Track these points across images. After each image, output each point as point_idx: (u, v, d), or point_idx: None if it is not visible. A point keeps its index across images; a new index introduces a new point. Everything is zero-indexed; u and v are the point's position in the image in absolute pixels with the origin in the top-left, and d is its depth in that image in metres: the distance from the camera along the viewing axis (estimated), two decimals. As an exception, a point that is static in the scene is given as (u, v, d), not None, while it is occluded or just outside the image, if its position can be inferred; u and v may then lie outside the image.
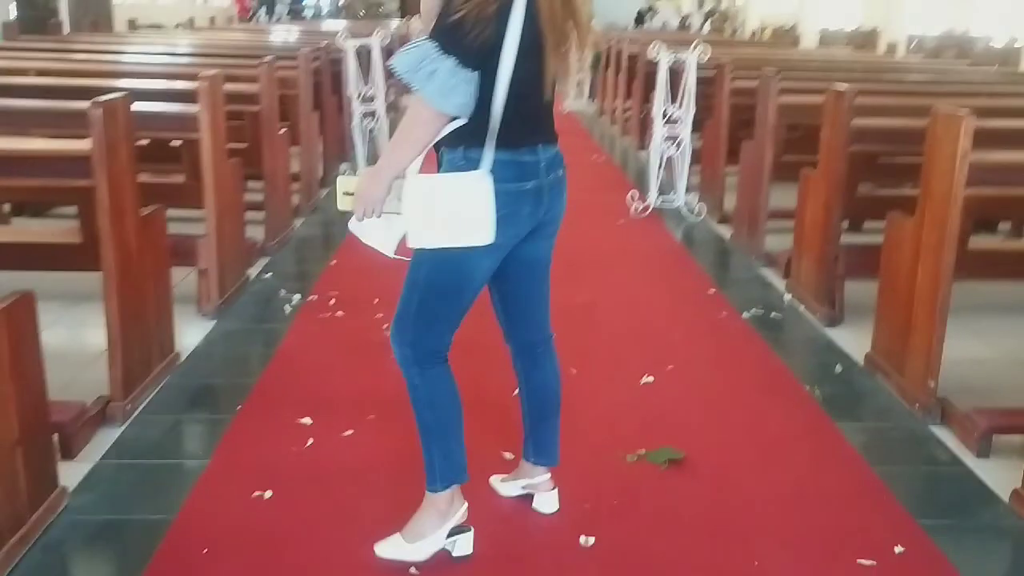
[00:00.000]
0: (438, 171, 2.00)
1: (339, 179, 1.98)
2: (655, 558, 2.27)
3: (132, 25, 11.71)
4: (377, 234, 1.99)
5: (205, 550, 2.23)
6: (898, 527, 2.42)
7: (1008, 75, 7.39)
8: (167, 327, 3.32)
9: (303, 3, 26.25)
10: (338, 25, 17.24)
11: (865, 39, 16.11)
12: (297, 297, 4.13)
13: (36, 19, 10.70)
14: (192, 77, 3.89)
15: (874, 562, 2.26)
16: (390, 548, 2.17)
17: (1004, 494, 2.60)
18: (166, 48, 7.49)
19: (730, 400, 3.23)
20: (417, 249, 1.98)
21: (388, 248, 1.99)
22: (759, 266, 4.86)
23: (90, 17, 11.72)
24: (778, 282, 4.56)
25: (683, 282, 4.67)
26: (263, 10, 21.56)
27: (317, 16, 24.67)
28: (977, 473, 2.75)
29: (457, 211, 1.91)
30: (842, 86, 3.99)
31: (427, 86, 1.80)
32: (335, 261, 4.74)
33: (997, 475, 2.70)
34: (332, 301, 4.04)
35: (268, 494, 2.48)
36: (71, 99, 3.55)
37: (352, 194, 1.94)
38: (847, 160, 3.92)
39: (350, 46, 6.51)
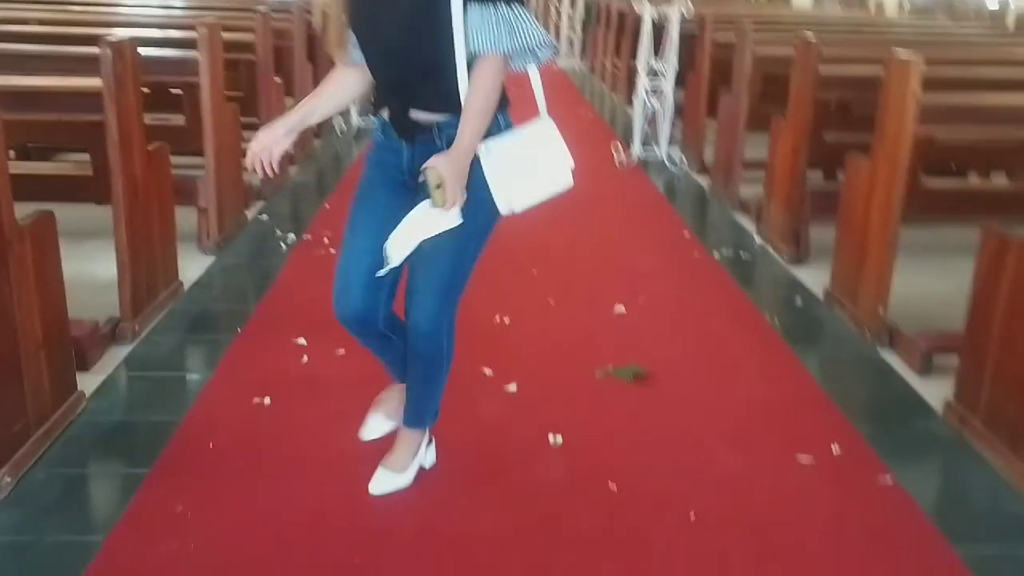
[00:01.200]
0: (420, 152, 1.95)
1: (428, 173, 1.86)
2: (618, 456, 2.53)
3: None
4: (406, 240, 1.92)
5: (211, 444, 2.48)
6: (838, 431, 2.68)
7: (991, 32, 7.58)
8: (171, 257, 3.55)
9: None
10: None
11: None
12: (292, 236, 4.36)
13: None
14: (191, 27, 4.09)
15: (812, 458, 2.52)
16: (385, 484, 2.26)
17: (939, 406, 2.86)
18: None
19: (695, 328, 3.48)
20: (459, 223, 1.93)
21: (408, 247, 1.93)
22: (734, 212, 5.10)
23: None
24: (750, 226, 4.79)
25: (660, 226, 4.91)
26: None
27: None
28: (916, 388, 3.02)
29: (546, 161, 1.99)
30: (810, 37, 4.20)
31: (540, 37, 1.87)
32: (328, 205, 4.96)
33: (934, 390, 2.96)
34: (326, 240, 4.28)
35: (267, 400, 2.73)
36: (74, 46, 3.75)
37: (441, 186, 1.85)
38: (814, 107, 4.14)
39: None
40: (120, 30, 4.23)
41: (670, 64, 6.07)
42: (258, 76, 4.88)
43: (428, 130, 1.94)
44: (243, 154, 4.27)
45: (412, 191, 1.96)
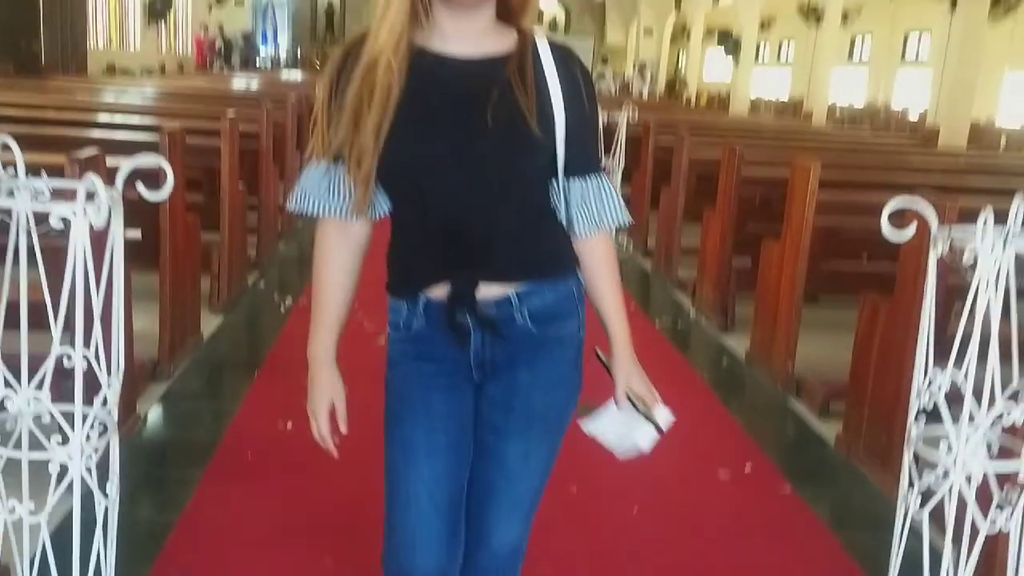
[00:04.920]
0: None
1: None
2: (577, 467, 3.17)
3: (111, 70, 12.49)
4: (618, 429, 1.64)
5: (248, 454, 3.08)
6: (751, 455, 3.37)
7: (902, 141, 8.61)
8: (196, 312, 4.17)
9: (257, 54, 27.23)
10: (295, 75, 18.21)
11: (790, 108, 17.62)
12: (289, 299, 4.99)
13: (19, 61, 11.44)
14: (213, 117, 4.78)
15: (729, 473, 3.20)
16: None
17: (832, 438, 3.57)
18: (171, 91, 8.35)
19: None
20: (551, 428, 1.62)
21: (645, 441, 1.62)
22: (672, 289, 5.86)
23: (67, 60, 12.51)
24: (686, 301, 5.55)
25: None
26: (219, 60, 22.49)
27: (270, 66, 25.55)
28: (815, 426, 3.73)
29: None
30: (735, 144, 5.04)
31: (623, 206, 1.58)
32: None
33: (830, 427, 3.68)
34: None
35: (289, 425, 3.33)
36: (113, 130, 4.41)
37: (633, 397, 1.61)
38: (738, 202, 4.94)
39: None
40: (153, 118, 4.90)
41: (618, 162, 6.93)
42: (260, 162, 5.57)
43: (504, 305, 1.50)
44: (248, 229, 4.90)
45: (479, 386, 1.57)
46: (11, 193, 1.71)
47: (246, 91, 9.87)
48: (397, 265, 1.55)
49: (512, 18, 1.47)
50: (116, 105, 6.88)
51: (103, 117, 5.59)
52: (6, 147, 1.71)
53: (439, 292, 1.49)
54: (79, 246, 1.65)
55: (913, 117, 15.08)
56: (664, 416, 1.60)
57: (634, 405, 1.61)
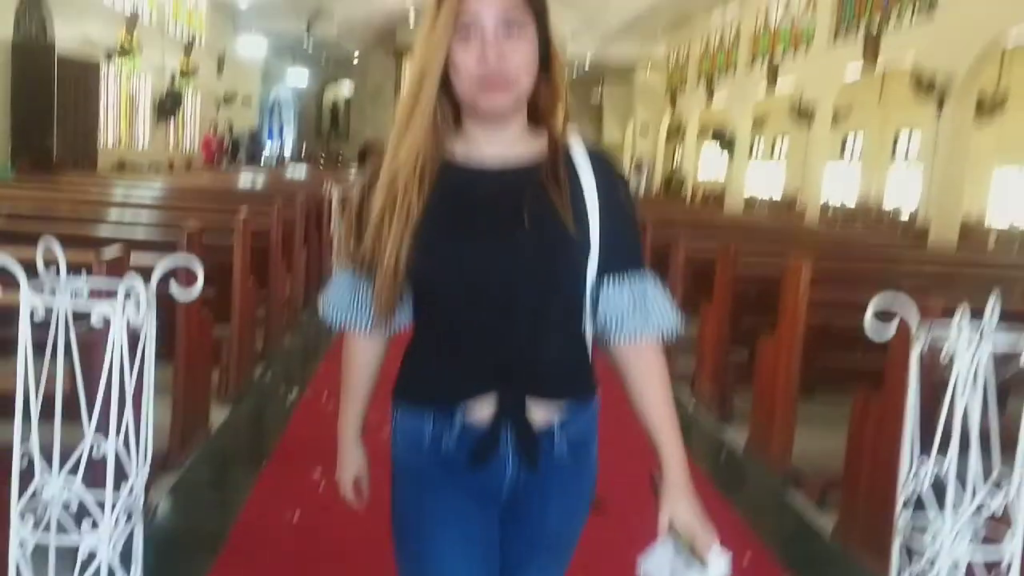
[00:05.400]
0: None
1: (672, 535, 1.50)
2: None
3: (121, 166, 12.83)
4: (673, 568, 1.49)
5: (257, 544, 3.14)
6: (751, 545, 3.43)
7: (891, 239, 8.82)
8: (206, 404, 4.26)
9: (262, 150, 27.87)
10: (300, 171, 18.63)
11: (784, 206, 18.00)
12: (295, 392, 5.09)
13: (33, 159, 11.77)
14: (225, 213, 4.96)
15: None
16: None
17: (830, 529, 3.63)
18: (182, 188, 8.60)
19: (641, 469, 4.23)
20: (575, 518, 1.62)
21: None
22: (671, 381, 5.94)
23: (78, 156, 12.86)
24: (685, 393, 5.64)
25: (613, 393, 5.71)
26: (226, 156, 23.02)
27: (275, 162, 26.11)
28: (813, 517, 3.79)
29: None
30: (731, 241, 5.21)
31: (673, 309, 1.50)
32: (322, 368, 5.71)
33: (827, 519, 3.74)
34: (325, 396, 5.01)
35: (296, 515, 3.39)
36: (132, 227, 4.58)
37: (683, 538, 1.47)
38: (733, 297, 5.09)
39: (335, 193, 7.71)
40: (188, 220, 5.07)
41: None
42: (270, 258, 5.74)
43: (547, 433, 1.45)
44: (257, 321, 5.03)
45: (505, 515, 1.51)
46: (52, 291, 1.85)
47: (254, 188, 10.14)
48: (425, 375, 1.47)
49: (542, 120, 1.47)
50: (131, 202, 7.10)
51: (120, 214, 5.78)
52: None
53: (480, 410, 1.42)
54: (117, 342, 1.78)
55: (905, 214, 15.42)
56: (718, 566, 1.41)
57: (682, 540, 1.46)
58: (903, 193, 17.44)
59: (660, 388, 1.52)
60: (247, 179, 13.47)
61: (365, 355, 1.60)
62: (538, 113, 1.46)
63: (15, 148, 11.33)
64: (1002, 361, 2.11)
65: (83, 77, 12.73)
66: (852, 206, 18.53)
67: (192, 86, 18.44)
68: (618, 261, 1.45)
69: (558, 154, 1.44)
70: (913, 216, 13.80)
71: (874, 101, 17.94)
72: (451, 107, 1.42)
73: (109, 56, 13.46)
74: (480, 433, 1.42)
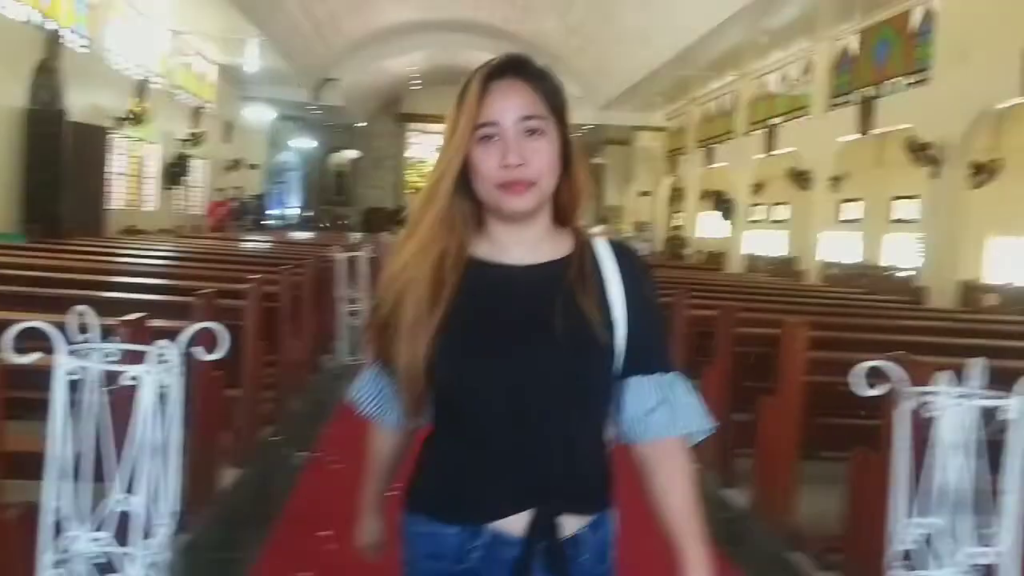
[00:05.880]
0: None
1: None
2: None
3: (129, 231, 13.02)
4: None
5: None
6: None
7: (892, 301, 8.93)
8: (216, 466, 4.33)
9: (267, 215, 28.16)
10: (305, 235, 18.85)
11: (784, 265, 18.18)
12: (303, 454, 5.16)
13: (43, 225, 11.91)
14: (236, 280, 5.09)
15: (732, 623, 3.30)
16: None
17: (832, 591, 3.69)
18: (192, 252, 8.76)
19: (648, 533, 4.29)
20: None
21: None
22: (674, 445, 6.00)
23: (87, 221, 13.05)
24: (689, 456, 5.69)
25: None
26: (232, 220, 23.27)
27: (281, 226, 26.38)
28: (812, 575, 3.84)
29: None
30: (731, 303, 5.33)
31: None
32: (330, 430, 5.79)
33: (829, 578, 3.79)
34: (333, 459, 5.08)
35: (307, 576, 3.46)
36: (149, 292, 4.71)
37: None
38: (733, 359, 5.18)
39: (342, 257, 7.85)
40: (202, 284, 5.21)
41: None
42: (280, 320, 5.85)
43: (575, 544, 1.42)
44: (265, 384, 5.11)
45: None
46: (86, 354, 1.96)
47: (262, 252, 10.31)
48: (452, 490, 1.41)
49: (566, 219, 1.47)
50: (142, 266, 7.25)
51: (134, 278, 5.92)
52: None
53: (511, 523, 1.37)
54: (148, 402, 1.88)
55: (904, 274, 15.55)
56: None
57: None
58: (902, 254, 17.61)
59: (686, 494, 1.50)
60: (253, 243, 13.66)
61: (388, 446, 1.62)
62: (560, 211, 1.46)
63: (28, 212, 11.52)
64: (988, 421, 2.20)
65: (93, 143, 12.98)
66: (851, 267, 18.68)
67: (199, 152, 18.77)
68: (646, 361, 1.44)
69: (584, 252, 1.44)
70: (912, 277, 13.94)
71: (871, 167, 18.21)
72: (474, 207, 1.42)
73: (119, 122, 13.76)
74: (510, 546, 1.38)
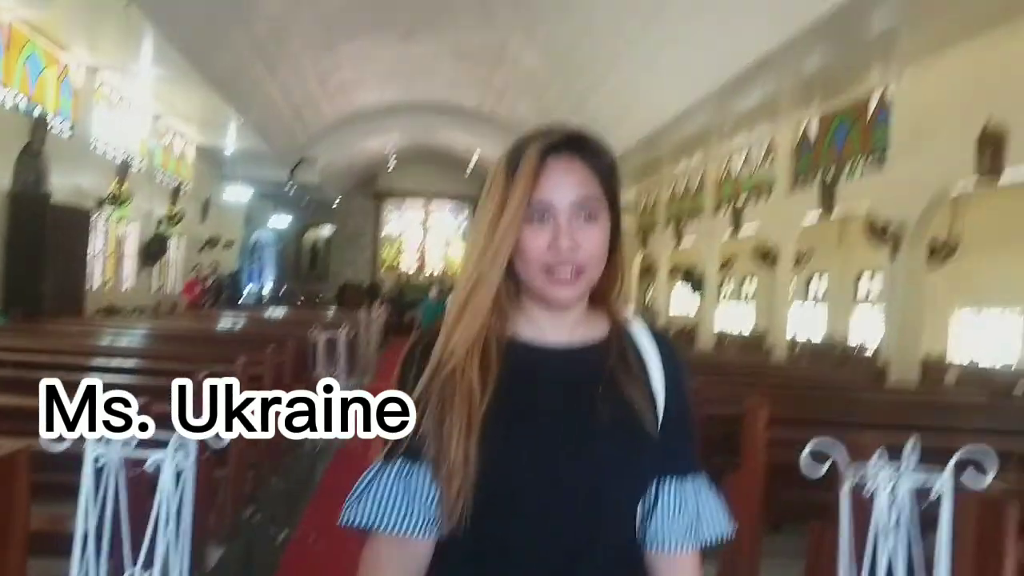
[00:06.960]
0: None
1: None
2: None
3: (109, 311, 13.13)
4: None
5: None
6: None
7: (854, 378, 9.25)
8: (204, 546, 4.47)
9: (242, 292, 28.25)
10: (280, 312, 18.99)
11: (753, 343, 18.54)
12: (285, 531, 5.30)
13: (25, 307, 11.98)
14: (223, 360, 5.30)
15: None
16: None
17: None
18: (171, 333, 8.91)
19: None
20: None
21: None
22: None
23: (67, 302, 13.16)
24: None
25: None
26: (207, 298, 23.33)
27: (255, 303, 26.47)
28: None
29: None
30: (698, 382, 5.59)
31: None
32: (308, 509, 5.93)
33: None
34: (312, 538, 5.22)
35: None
36: (140, 375, 4.90)
37: None
38: (702, 438, 5.41)
39: (321, 337, 8.06)
40: (177, 363, 5.41)
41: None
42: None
43: None
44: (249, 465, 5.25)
45: None
46: (107, 441, 2.17)
47: (239, 331, 10.47)
48: None
49: (602, 302, 1.39)
50: (127, 348, 7.41)
51: (122, 360, 6.09)
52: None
53: None
54: (167, 485, 2.09)
55: (868, 351, 15.93)
56: None
57: None
58: (866, 331, 18.03)
59: None
60: (228, 322, 13.79)
61: (405, 568, 1.29)
62: (599, 294, 1.38)
63: (9, 294, 11.64)
64: (923, 497, 2.44)
65: (74, 224, 13.17)
66: (818, 343, 19.07)
67: (177, 231, 18.99)
68: (679, 462, 1.37)
69: (623, 336, 1.38)
70: (875, 354, 14.29)
71: (835, 244, 18.78)
72: (513, 285, 1.34)
73: (100, 204, 13.98)
74: None
